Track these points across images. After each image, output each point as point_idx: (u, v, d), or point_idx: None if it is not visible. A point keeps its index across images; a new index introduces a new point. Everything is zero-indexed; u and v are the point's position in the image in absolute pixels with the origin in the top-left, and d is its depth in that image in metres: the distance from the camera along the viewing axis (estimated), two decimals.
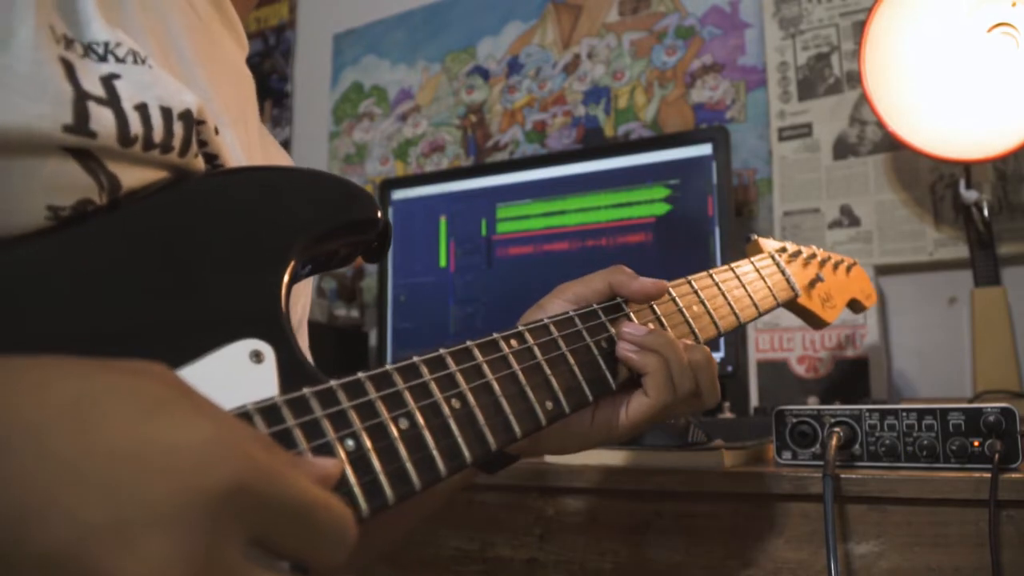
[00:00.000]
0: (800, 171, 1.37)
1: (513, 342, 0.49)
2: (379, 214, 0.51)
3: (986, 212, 1.12)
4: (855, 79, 1.32)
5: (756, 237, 0.79)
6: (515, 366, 0.48)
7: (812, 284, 0.78)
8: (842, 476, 0.69)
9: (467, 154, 1.71)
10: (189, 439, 0.26)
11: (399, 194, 1.44)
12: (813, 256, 0.81)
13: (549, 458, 0.83)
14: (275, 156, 0.63)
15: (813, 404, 0.85)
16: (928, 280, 1.28)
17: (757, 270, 0.72)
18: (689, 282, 0.64)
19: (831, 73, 1.37)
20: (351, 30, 1.90)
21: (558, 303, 0.58)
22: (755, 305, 0.68)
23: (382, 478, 0.37)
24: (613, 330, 0.56)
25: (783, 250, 0.78)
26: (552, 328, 0.52)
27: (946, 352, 1.25)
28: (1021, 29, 1.04)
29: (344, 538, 0.29)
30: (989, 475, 0.64)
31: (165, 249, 0.43)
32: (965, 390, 1.18)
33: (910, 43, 1.10)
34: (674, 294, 0.62)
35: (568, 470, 0.81)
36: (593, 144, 1.56)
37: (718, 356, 1.15)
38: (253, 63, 2.14)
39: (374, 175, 1.80)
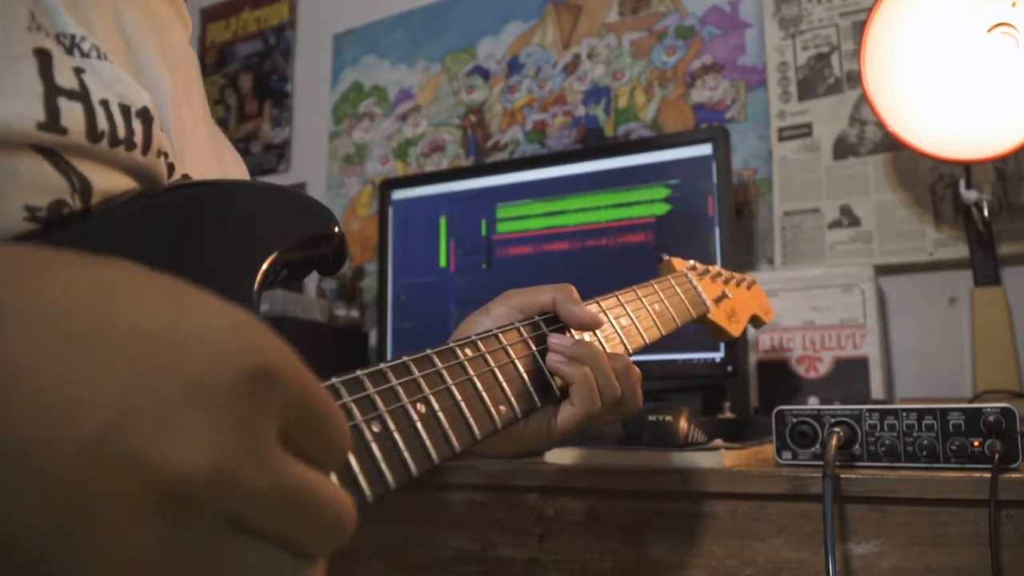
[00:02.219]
0: (800, 171, 1.37)
1: (468, 350, 0.52)
2: (336, 229, 0.53)
3: (986, 212, 1.12)
4: (855, 79, 1.32)
5: (668, 257, 0.84)
6: (471, 372, 0.51)
7: (719, 300, 0.83)
8: (842, 476, 0.69)
9: (467, 154, 1.71)
10: (222, 322, 0.25)
11: (399, 194, 1.44)
12: (719, 274, 0.86)
13: (549, 458, 0.84)
14: (229, 159, 0.63)
15: (813, 404, 0.85)
16: (928, 280, 1.28)
17: (674, 287, 0.76)
18: (617, 296, 0.68)
19: (831, 73, 1.37)
20: (351, 30, 1.90)
21: (504, 310, 0.60)
22: (674, 319, 0.73)
23: (360, 478, 0.39)
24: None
25: (693, 268, 0.83)
26: (501, 338, 0.55)
27: (946, 352, 1.25)
28: (1021, 29, 1.04)
29: (345, 453, 0.29)
30: (989, 475, 0.64)
31: (142, 260, 0.43)
32: (965, 390, 1.18)
33: (910, 43, 1.10)
34: (604, 307, 0.65)
35: (568, 470, 0.81)
36: (593, 144, 1.56)
37: (718, 356, 1.15)
38: (253, 63, 2.14)
39: (374, 175, 1.80)
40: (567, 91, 1.62)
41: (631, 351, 0.65)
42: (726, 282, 0.86)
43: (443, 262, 1.38)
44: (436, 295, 1.38)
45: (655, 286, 0.73)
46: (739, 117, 1.45)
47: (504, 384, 0.53)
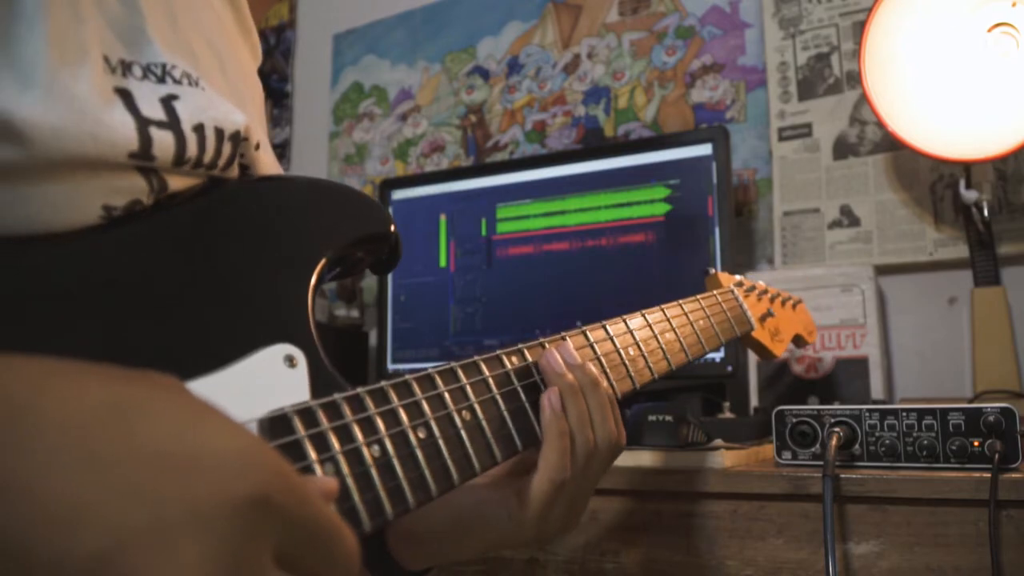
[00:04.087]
0: (800, 171, 1.37)
1: (514, 359, 0.51)
2: (392, 228, 0.53)
3: (986, 212, 1.12)
4: (855, 79, 1.32)
5: (715, 271, 0.83)
6: (516, 383, 0.51)
7: (764, 318, 0.82)
8: (842, 476, 0.69)
9: (467, 154, 1.71)
10: (228, 446, 0.26)
11: (399, 194, 1.44)
12: (764, 292, 0.85)
13: None
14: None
15: (813, 404, 0.85)
16: (928, 280, 1.28)
17: (720, 303, 0.76)
18: (663, 311, 0.67)
19: (831, 73, 1.37)
20: (351, 30, 1.90)
21: None
22: (718, 336, 0.72)
23: (404, 484, 0.39)
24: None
25: (740, 284, 0.82)
26: (527, 354, 0.53)
27: (946, 352, 1.25)
28: (1021, 29, 1.04)
29: (353, 566, 0.30)
30: (989, 475, 0.64)
31: (204, 253, 0.45)
32: (965, 390, 1.18)
33: (910, 43, 1.10)
34: (650, 320, 0.64)
35: None
36: (593, 144, 1.56)
37: (718, 356, 1.15)
38: None
39: (374, 175, 1.80)
40: (567, 91, 1.62)
41: (674, 366, 0.64)
42: (772, 300, 0.85)
43: (443, 262, 1.38)
44: (436, 295, 1.38)
45: (701, 302, 0.72)
46: (739, 117, 1.45)
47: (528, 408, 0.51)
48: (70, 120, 0.39)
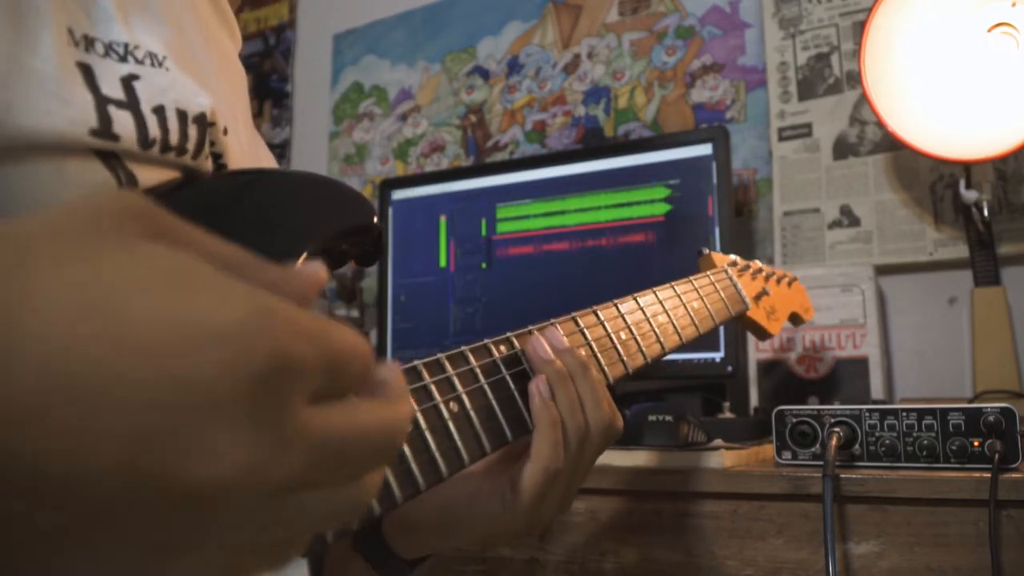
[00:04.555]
0: (800, 171, 1.37)
1: (502, 347, 0.51)
2: (375, 219, 0.53)
3: (986, 212, 1.12)
4: (855, 79, 1.32)
5: (708, 251, 0.82)
6: (504, 372, 0.50)
7: (759, 297, 0.82)
8: (842, 476, 0.69)
9: (467, 154, 1.71)
10: (230, 315, 0.23)
11: (399, 194, 1.44)
12: (759, 271, 0.85)
13: None
14: (263, 158, 0.64)
15: (813, 404, 0.85)
16: (928, 280, 1.28)
17: (713, 284, 0.75)
18: (655, 293, 0.66)
19: (831, 73, 1.37)
20: (351, 30, 1.90)
21: None
22: (712, 317, 0.71)
23: (391, 478, 0.38)
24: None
25: (734, 263, 0.82)
26: (516, 342, 0.53)
27: (946, 352, 1.25)
28: (1021, 29, 1.04)
29: (368, 366, 0.28)
30: (989, 475, 0.64)
31: None
32: (965, 390, 1.18)
33: (910, 43, 1.10)
34: (642, 304, 0.64)
35: None
36: (593, 144, 1.56)
37: (718, 356, 1.15)
38: (253, 63, 2.14)
39: (374, 175, 1.80)
40: (567, 91, 1.62)
41: (667, 350, 0.63)
42: (766, 279, 0.85)
43: (443, 262, 1.38)
44: (436, 295, 1.38)
45: (694, 283, 0.72)
46: (739, 117, 1.45)
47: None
48: (27, 94, 0.38)
